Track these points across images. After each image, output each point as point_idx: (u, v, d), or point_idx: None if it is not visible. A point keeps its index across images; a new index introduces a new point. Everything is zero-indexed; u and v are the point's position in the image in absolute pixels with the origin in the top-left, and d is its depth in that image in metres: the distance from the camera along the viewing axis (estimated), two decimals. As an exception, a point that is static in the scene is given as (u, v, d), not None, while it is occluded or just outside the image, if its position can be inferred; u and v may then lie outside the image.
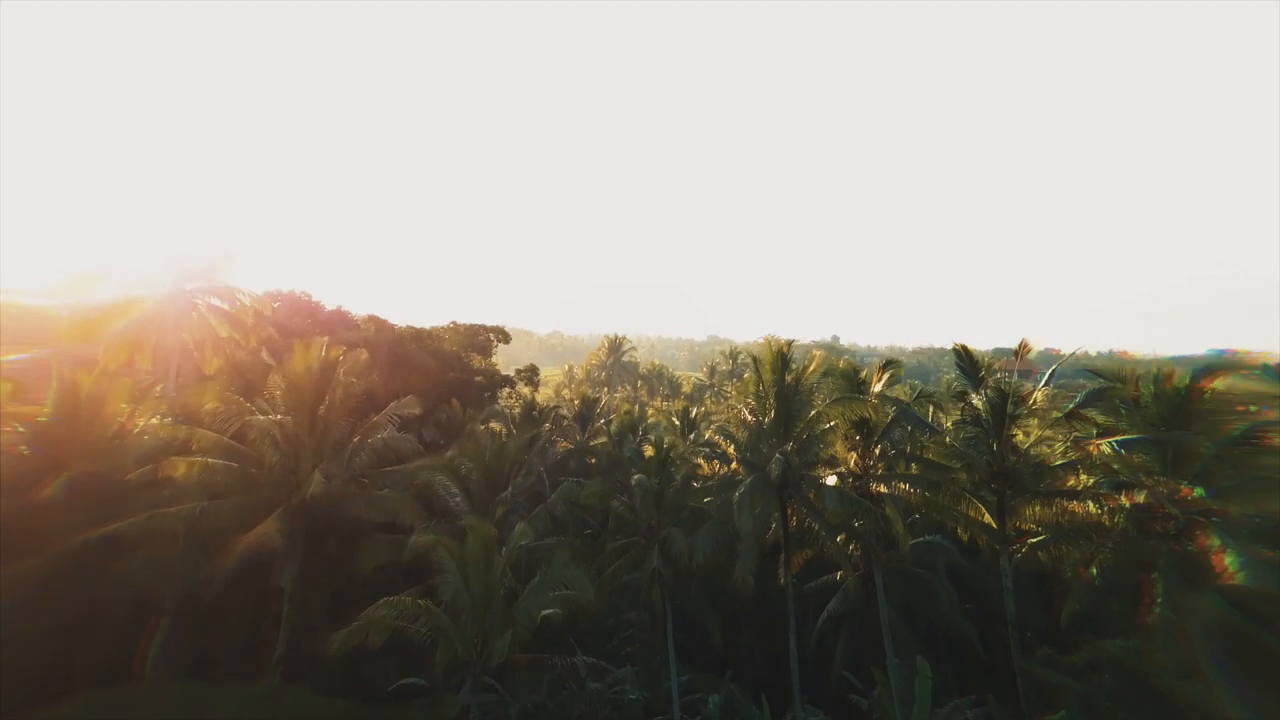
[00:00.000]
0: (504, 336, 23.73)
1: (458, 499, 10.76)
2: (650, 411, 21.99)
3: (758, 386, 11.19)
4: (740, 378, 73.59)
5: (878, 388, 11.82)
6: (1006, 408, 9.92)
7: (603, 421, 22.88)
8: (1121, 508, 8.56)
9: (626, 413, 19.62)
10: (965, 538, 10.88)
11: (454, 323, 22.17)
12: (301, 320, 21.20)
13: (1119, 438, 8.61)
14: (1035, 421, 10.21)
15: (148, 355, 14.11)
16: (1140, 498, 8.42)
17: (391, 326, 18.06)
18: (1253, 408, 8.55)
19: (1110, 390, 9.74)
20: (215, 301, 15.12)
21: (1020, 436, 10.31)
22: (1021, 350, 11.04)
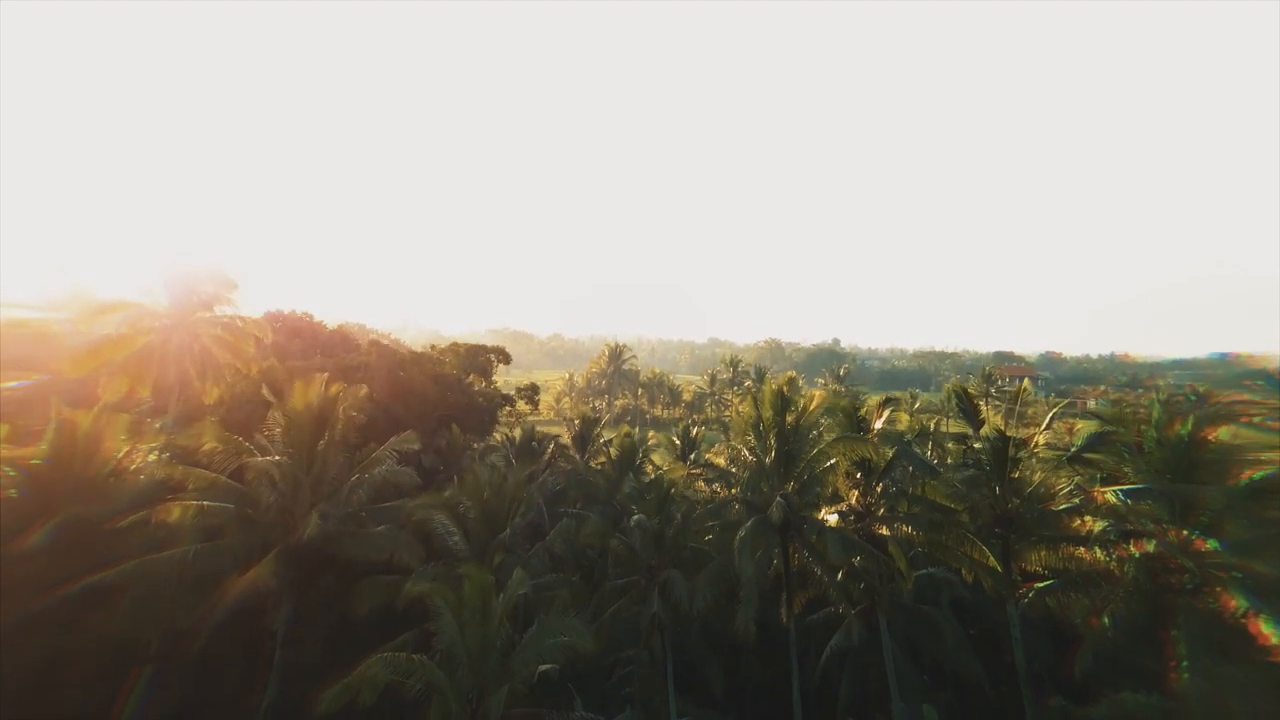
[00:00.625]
0: (504, 357, 23.66)
1: (456, 538, 10.56)
2: (650, 435, 21.81)
3: (757, 424, 11.02)
4: (740, 385, 73.68)
5: (878, 425, 11.65)
6: (1008, 450, 9.73)
7: (602, 441, 22.71)
8: (1131, 557, 8.33)
9: (627, 435, 19.43)
10: (970, 579, 10.63)
11: (455, 344, 22.10)
12: (302, 342, 21.16)
13: (1124, 487, 8.41)
14: (1037, 463, 10.00)
15: (149, 385, 14.02)
16: (1150, 547, 8.20)
17: (393, 351, 17.99)
18: (1260, 456, 8.35)
19: (1112, 435, 9.56)
20: (218, 332, 15.04)
21: (1023, 474, 10.08)
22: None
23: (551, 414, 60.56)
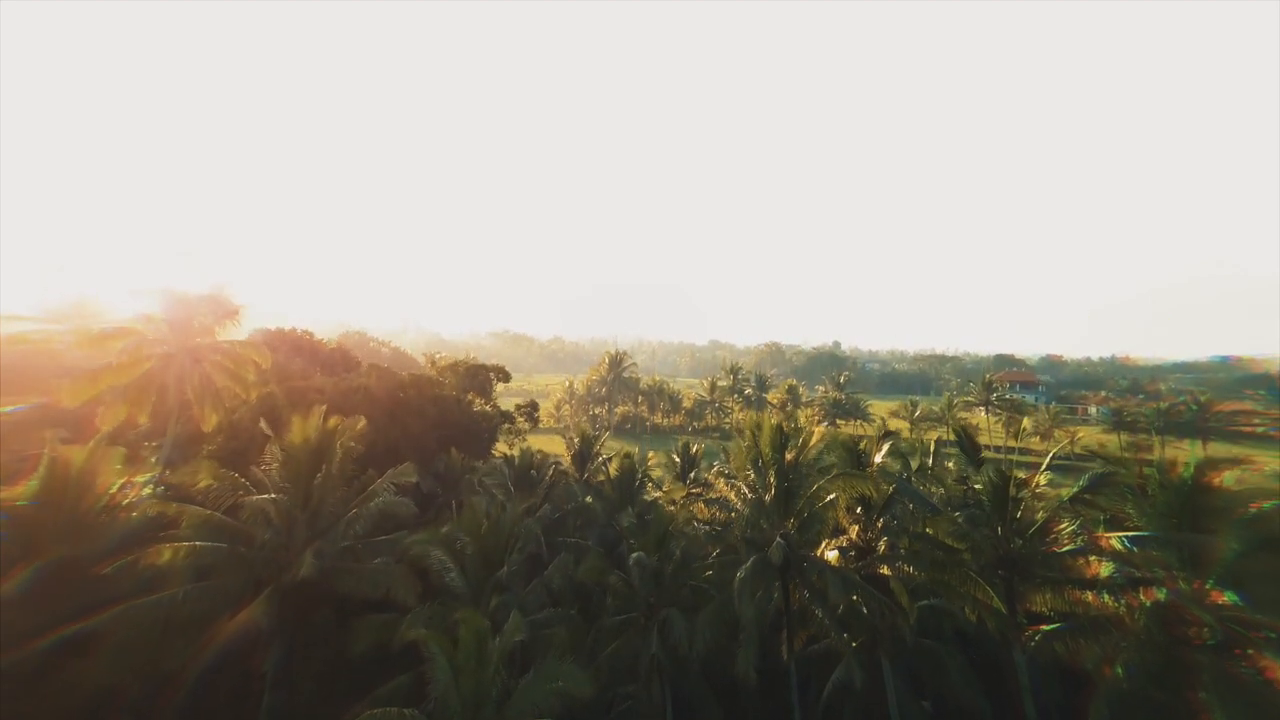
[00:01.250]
0: (503, 375, 23.57)
1: (453, 574, 10.39)
2: (650, 456, 21.65)
3: (757, 459, 10.86)
4: (740, 393, 73.05)
5: (878, 458, 11.48)
6: (1008, 490, 9.53)
7: (602, 460, 22.50)
8: (1142, 605, 8.06)
9: (626, 456, 19.24)
10: (974, 618, 10.39)
11: (455, 362, 22.03)
12: (303, 360, 21.12)
13: (1130, 533, 8.20)
14: (1038, 504, 9.79)
15: (147, 412, 13.93)
16: (1160, 595, 7.95)
17: (391, 373, 17.90)
18: (1266, 505, 8.13)
19: (1113, 476, 9.37)
20: (218, 357, 14.96)
21: (1024, 514, 9.86)
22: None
23: (551, 421, 60.39)
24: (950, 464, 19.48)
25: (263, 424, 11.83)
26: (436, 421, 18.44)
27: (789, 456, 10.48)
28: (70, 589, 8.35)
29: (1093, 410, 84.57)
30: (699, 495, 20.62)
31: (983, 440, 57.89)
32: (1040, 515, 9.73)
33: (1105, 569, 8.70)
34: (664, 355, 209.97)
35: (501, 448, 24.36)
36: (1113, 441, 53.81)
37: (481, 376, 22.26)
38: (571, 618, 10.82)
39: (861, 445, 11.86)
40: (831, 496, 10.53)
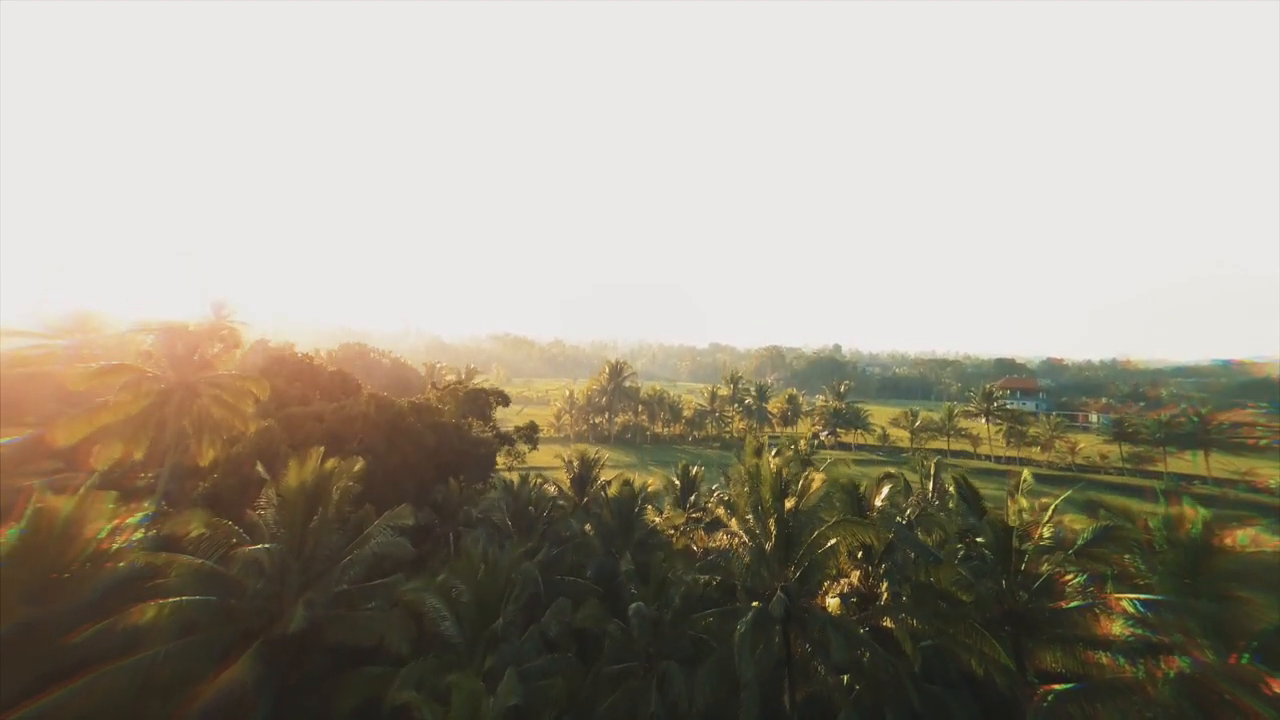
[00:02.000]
0: (503, 400, 23.45)
1: (448, 623, 10.14)
2: (650, 481, 21.41)
3: (757, 505, 10.61)
4: (740, 403, 72.46)
5: (879, 501, 11.23)
6: (1011, 542, 9.26)
7: (601, 482, 22.23)
8: (1166, 675, 7.57)
9: (625, 483, 18.99)
10: (980, 672, 10.09)
11: (454, 387, 21.90)
12: (302, 385, 21.00)
13: (1142, 597, 7.89)
14: (1042, 556, 9.49)
15: (143, 448, 13.76)
16: (1184, 665, 7.49)
17: (390, 402, 17.73)
18: None
19: (1118, 530, 9.08)
20: (217, 391, 14.81)
21: (1029, 567, 9.57)
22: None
23: (552, 431, 60.05)
24: (951, 504, 19.19)
25: (259, 468, 11.63)
26: (435, 448, 18.26)
27: (789, 504, 10.24)
28: (33, 657, 7.68)
29: (1094, 418, 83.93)
30: (699, 521, 20.47)
31: (983, 450, 58.12)
32: (1045, 567, 9.45)
33: (1117, 626, 8.33)
34: (664, 359, 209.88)
35: (504, 459, 24.09)
36: (1114, 452, 53.31)
37: (481, 400, 22.11)
38: (569, 661, 10.55)
39: (862, 488, 11.62)
40: (833, 542, 10.28)
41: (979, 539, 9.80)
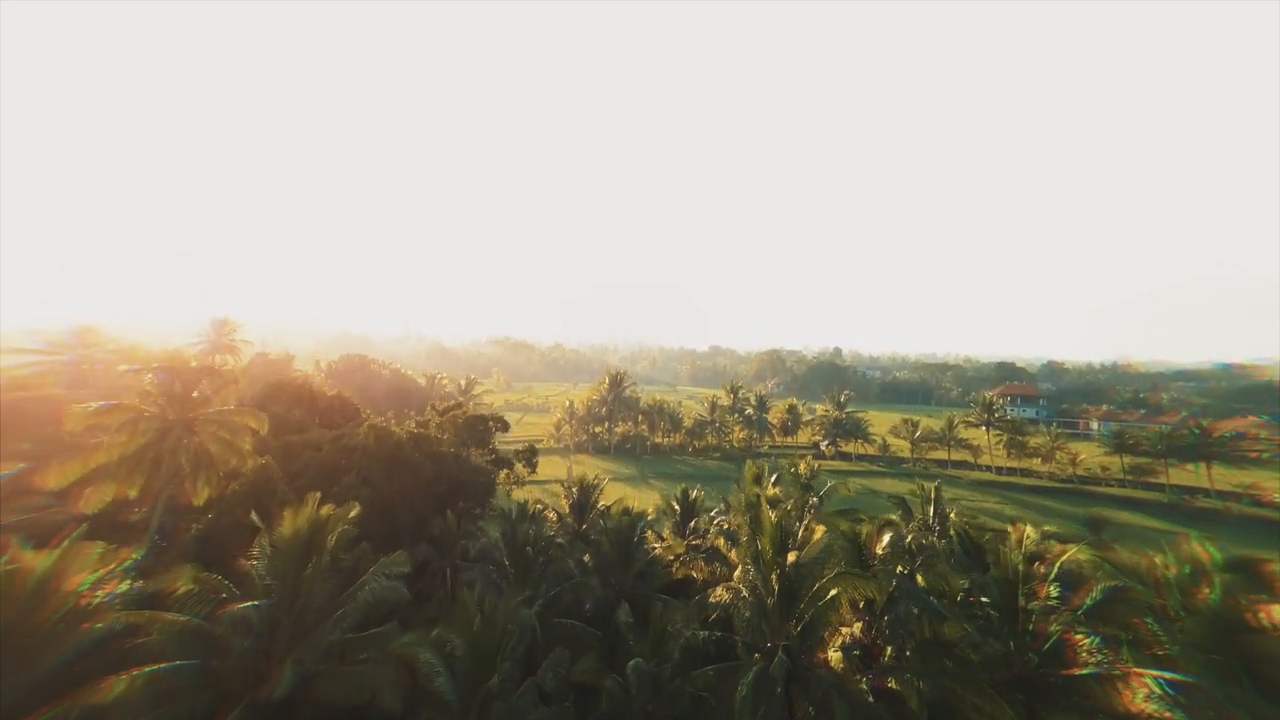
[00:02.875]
0: (502, 425, 23.32)
1: (442, 679, 9.88)
2: (650, 508, 21.16)
3: (758, 557, 10.37)
4: (741, 413, 71.73)
5: (879, 549, 10.98)
6: (1018, 599, 8.97)
7: (600, 508, 22.01)
8: None
9: (625, 512, 18.75)
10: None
11: (453, 414, 21.72)
12: (302, 411, 20.87)
13: (1169, 675, 7.40)
14: (1051, 616, 9.17)
15: (137, 487, 13.56)
16: None
17: (390, 432, 17.54)
18: None
19: (1128, 592, 8.75)
20: (214, 428, 14.63)
21: (1037, 626, 9.25)
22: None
23: (552, 441, 59.77)
24: (953, 530, 18.88)
25: (254, 516, 11.41)
26: (433, 478, 18.06)
27: (790, 558, 10.00)
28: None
29: (1094, 425, 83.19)
30: (699, 549, 20.20)
31: (984, 460, 57.66)
32: (1054, 627, 9.15)
33: (1141, 700, 7.81)
34: (665, 362, 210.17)
35: (504, 478, 23.88)
36: (1115, 464, 52.74)
37: (480, 427, 21.95)
38: (565, 711, 10.29)
39: (863, 534, 11.38)
40: (834, 593, 10.03)
41: (984, 599, 9.50)
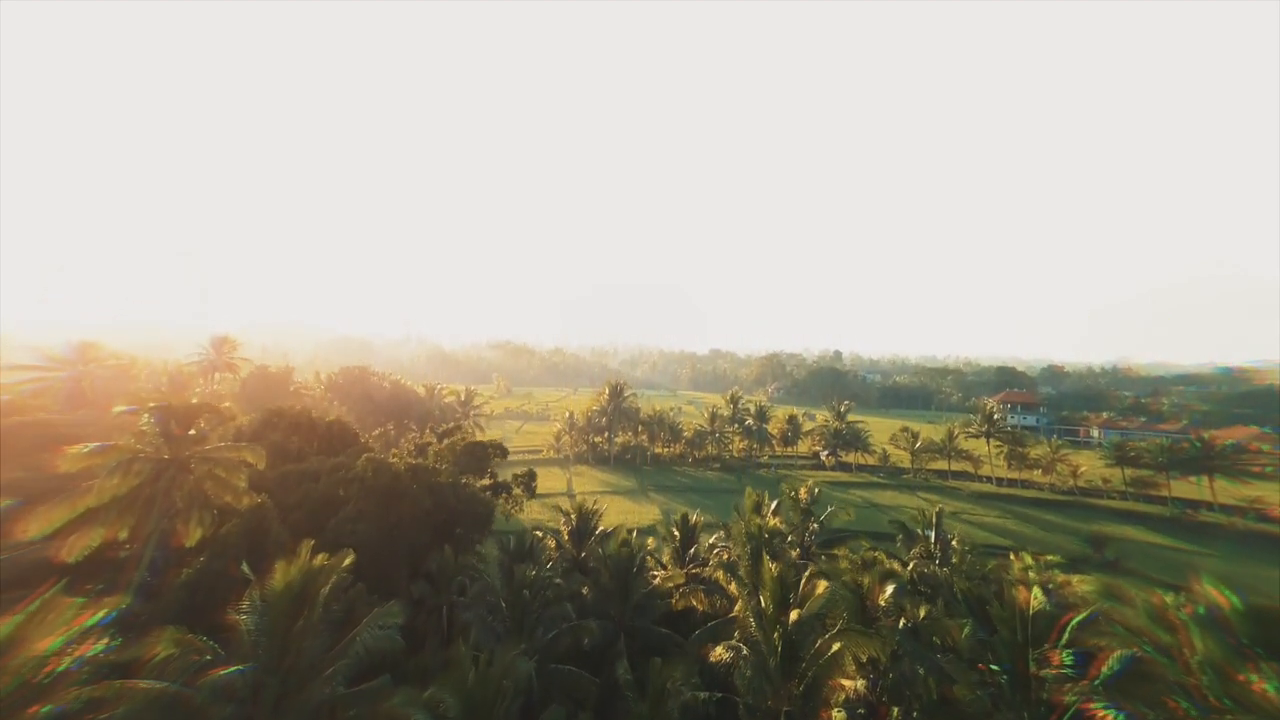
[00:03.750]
0: (501, 452, 23.13)
1: (435, 740, 9.60)
2: (650, 528, 20.85)
3: (760, 614, 10.08)
4: (741, 423, 71.18)
5: (883, 601, 10.68)
6: (1029, 665, 8.62)
7: (598, 535, 21.72)
8: None
9: (624, 543, 18.47)
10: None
11: (452, 442, 21.53)
12: (300, 438, 20.68)
13: None
14: (1065, 686, 8.79)
15: (126, 529, 13.26)
16: None
17: (388, 465, 17.30)
18: None
19: (1149, 665, 8.26)
20: (209, 467, 14.36)
21: (1052, 696, 8.88)
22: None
23: (551, 452, 59.43)
24: (955, 558, 18.52)
25: (245, 568, 11.12)
26: (432, 509, 17.80)
27: (793, 616, 9.71)
28: None
29: (1095, 433, 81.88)
30: (699, 578, 19.87)
31: (984, 470, 57.07)
32: (1070, 698, 8.80)
33: None
34: (665, 365, 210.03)
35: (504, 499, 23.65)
36: (1116, 476, 51.03)
37: (479, 454, 21.72)
38: None
39: (865, 585, 11.09)
40: (837, 648, 9.74)
41: (994, 665, 9.18)
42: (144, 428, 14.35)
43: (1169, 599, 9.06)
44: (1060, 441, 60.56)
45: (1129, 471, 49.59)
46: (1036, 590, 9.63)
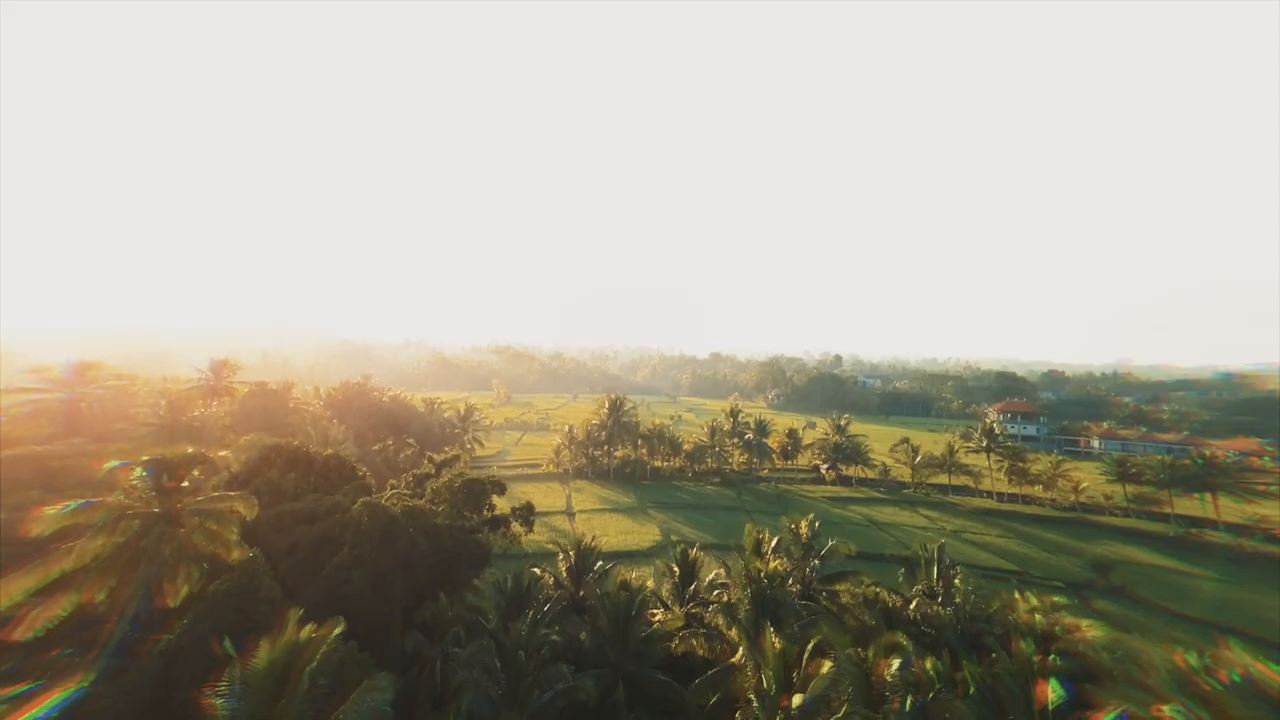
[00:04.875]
0: (500, 488, 22.81)
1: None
2: (649, 580, 20.53)
3: (762, 696, 9.72)
4: (741, 437, 70.56)
5: (889, 676, 10.31)
6: None
7: (597, 570, 21.37)
8: None
9: (622, 585, 18.13)
10: None
11: (450, 482, 21.23)
12: (297, 475, 20.38)
13: None
14: None
15: (106, 590, 12.72)
16: None
17: (384, 509, 16.96)
18: None
19: None
20: (199, 519, 14.01)
21: None
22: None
23: (551, 467, 59.05)
24: (959, 598, 18.09)
25: (227, 644, 10.74)
26: (429, 550, 17.45)
27: (796, 701, 9.34)
28: None
29: (1095, 443, 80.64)
30: (699, 619, 19.49)
31: (985, 485, 56.45)
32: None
33: None
34: (664, 371, 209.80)
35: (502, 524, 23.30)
36: (1118, 492, 49.71)
37: (477, 490, 21.39)
38: None
39: (869, 658, 10.71)
40: None
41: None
42: (134, 482, 13.98)
43: (1192, 661, 8.54)
44: (1061, 456, 59.94)
45: (1131, 488, 48.85)
46: (1054, 684, 9.19)
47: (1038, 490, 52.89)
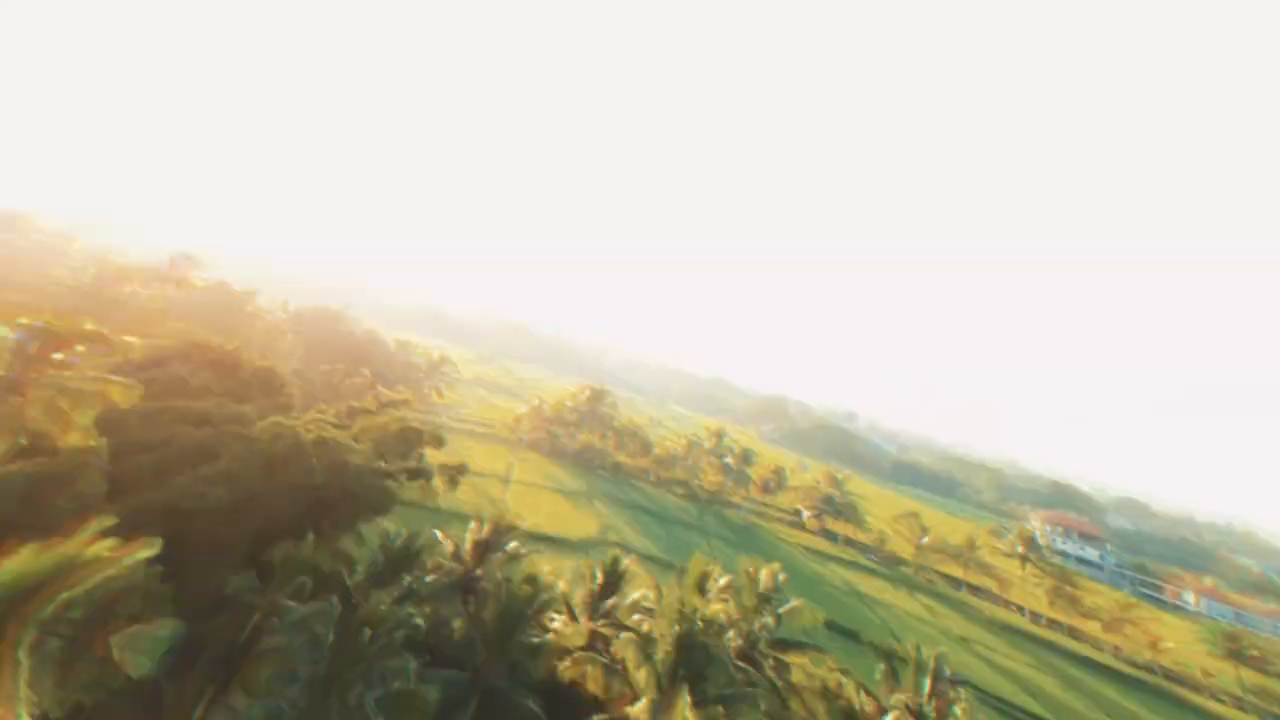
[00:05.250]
0: (437, 442, 20.91)
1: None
2: (564, 584, 18.53)
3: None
4: (720, 458, 66.88)
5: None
6: None
7: (511, 546, 19.33)
8: None
9: (526, 579, 16.32)
10: None
11: (386, 423, 19.02)
12: (212, 376, 19.22)
13: None
14: None
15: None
16: None
17: (295, 432, 15.42)
18: None
19: None
20: (52, 395, 12.79)
21: None
22: None
23: (507, 432, 56.08)
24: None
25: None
26: (320, 485, 16.01)
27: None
28: None
29: (1189, 598, 58.31)
30: (604, 645, 17.03)
31: (1013, 595, 42.35)
32: None
33: None
34: (662, 377, 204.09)
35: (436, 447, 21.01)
36: (1224, 672, 35.67)
37: (411, 437, 19.71)
38: None
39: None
40: None
41: None
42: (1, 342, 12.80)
43: None
44: (1133, 598, 46.89)
45: (1244, 673, 35.61)
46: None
47: (1092, 627, 40.24)
